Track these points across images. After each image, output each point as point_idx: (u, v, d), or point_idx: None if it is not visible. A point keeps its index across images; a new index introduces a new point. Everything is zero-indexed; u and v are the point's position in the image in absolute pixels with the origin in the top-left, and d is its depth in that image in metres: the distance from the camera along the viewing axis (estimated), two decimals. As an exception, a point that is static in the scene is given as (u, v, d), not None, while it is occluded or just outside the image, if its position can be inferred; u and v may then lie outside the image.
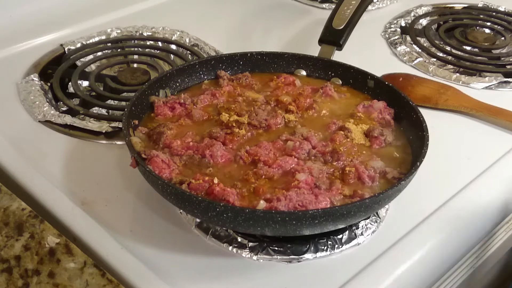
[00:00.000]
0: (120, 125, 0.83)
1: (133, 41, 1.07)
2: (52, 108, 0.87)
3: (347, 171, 0.69)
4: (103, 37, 1.07)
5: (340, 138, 0.74)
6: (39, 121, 0.85)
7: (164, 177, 0.66)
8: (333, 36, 0.91)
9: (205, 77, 0.85)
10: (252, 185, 0.66)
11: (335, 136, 0.74)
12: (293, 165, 0.69)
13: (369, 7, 1.18)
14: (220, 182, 0.65)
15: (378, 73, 0.82)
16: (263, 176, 0.67)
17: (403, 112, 0.77)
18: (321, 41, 0.92)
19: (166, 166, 0.67)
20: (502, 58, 1.08)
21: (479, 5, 1.25)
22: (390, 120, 0.78)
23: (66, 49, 1.03)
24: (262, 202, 0.63)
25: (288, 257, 0.66)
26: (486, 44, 1.13)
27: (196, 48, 1.06)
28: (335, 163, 0.70)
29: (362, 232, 0.69)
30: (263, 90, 0.84)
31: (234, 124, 0.74)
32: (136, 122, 0.75)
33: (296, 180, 0.66)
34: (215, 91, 0.81)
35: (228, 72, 0.86)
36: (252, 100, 0.81)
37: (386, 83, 0.81)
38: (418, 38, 1.12)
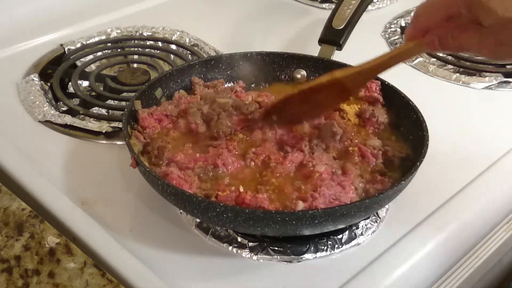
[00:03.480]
0: (120, 125, 0.83)
1: (133, 41, 1.07)
2: (52, 108, 0.87)
3: (350, 151, 0.71)
4: (103, 37, 1.07)
5: (337, 118, 0.75)
6: (39, 121, 0.85)
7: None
8: (333, 36, 0.91)
9: (204, 78, 0.85)
10: (273, 185, 0.66)
11: (332, 116, 0.76)
12: (302, 157, 0.69)
13: (369, 7, 1.18)
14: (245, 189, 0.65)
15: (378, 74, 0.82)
16: (282, 174, 0.67)
17: (403, 112, 0.77)
18: (321, 41, 0.92)
19: (184, 181, 0.65)
20: (502, 58, 1.08)
21: (479, 5, 1.25)
22: (378, 96, 0.79)
23: (66, 49, 1.03)
24: (300, 203, 0.63)
25: (288, 257, 0.66)
26: (486, 44, 1.13)
27: (196, 48, 1.06)
28: (337, 145, 0.72)
29: (362, 232, 0.69)
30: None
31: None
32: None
33: (316, 172, 0.67)
34: (191, 99, 0.80)
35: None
36: (218, 105, 0.77)
37: (386, 82, 0.81)
38: (418, 38, 1.12)
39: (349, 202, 0.64)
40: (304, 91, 0.72)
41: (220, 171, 0.68)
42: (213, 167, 0.68)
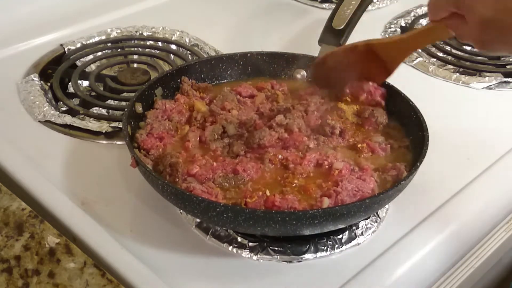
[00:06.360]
0: (120, 125, 0.83)
1: (133, 41, 1.07)
2: (52, 108, 0.87)
3: (360, 147, 0.72)
4: (103, 37, 1.07)
5: (335, 117, 0.76)
6: (39, 121, 0.85)
7: None
8: (333, 36, 0.91)
9: (205, 77, 0.85)
10: (296, 186, 0.66)
11: (330, 115, 0.76)
12: (318, 157, 0.70)
13: (369, 7, 1.17)
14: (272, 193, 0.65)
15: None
16: (302, 175, 0.68)
17: (403, 112, 0.77)
18: (321, 41, 0.92)
19: (208, 194, 0.64)
20: (502, 58, 1.07)
21: (479, 5, 1.25)
22: (381, 101, 0.79)
23: (66, 49, 1.03)
24: (326, 199, 0.64)
25: (288, 257, 0.66)
26: (486, 44, 1.13)
27: (196, 48, 1.06)
28: (340, 141, 0.73)
29: (362, 232, 0.69)
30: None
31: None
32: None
33: (335, 169, 0.68)
34: (179, 108, 0.78)
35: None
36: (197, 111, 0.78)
37: (386, 82, 0.81)
38: (418, 38, 1.12)
39: (370, 192, 0.65)
40: (342, 51, 0.80)
41: (241, 178, 0.67)
42: (233, 175, 0.67)
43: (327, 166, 0.69)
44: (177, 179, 0.66)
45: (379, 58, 0.77)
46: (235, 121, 0.74)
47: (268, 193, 0.65)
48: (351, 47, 0.79)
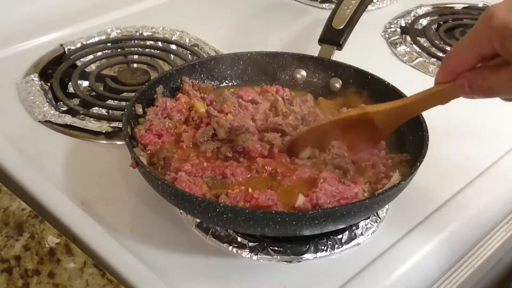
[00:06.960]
0: (120, 125, 0.83)
1: (133, 41, 1.07)
2: (52, 108, 0.87)
3: (363, 166, 0.70)
4: (103, 37, 1.07)
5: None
6: (39, 121, 0.85)
7: (196, 194, 0.63)
8: (333, 36, 0.91)
9: (204, 77, 0.85)
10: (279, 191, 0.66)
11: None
12: (310, 172, 0.69)
13: (369, 7, 1.18)
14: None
15: (378, 73, 0.82)
16: (289, 186, 0.68)
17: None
18: (321, 41, 0.92)
19: (194, 185, 0.65)
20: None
21: (479, 5, 1.25)
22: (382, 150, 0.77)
23: (66, 49, 1.03)
24: (300, 196, 0.64)
25: (288, 257, 0.66)
26: (486, 44, 1.13)
27: (196, 48, 1.06)
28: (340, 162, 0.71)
29: (362, 232, 0.69)
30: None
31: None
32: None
33: (321, 178, 0.67)
34: (179, 107, 0.79)
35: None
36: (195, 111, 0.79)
37: (386, 82, 0.80)
38: (418, 38, 1.12)
39: (353, 196, 0.64)
40: (331, 123, 0.71)
41: (228, 181, 0.68)
42: (221, 177, 0.68)
43: (315, 176, 0.68)
44: (168, 172, 0.67)
45: (373, 126, 0.69)
46: (227, 125, 0.74)
47: (250, 190, 0.65)
48: (339, 119, 0.71)
